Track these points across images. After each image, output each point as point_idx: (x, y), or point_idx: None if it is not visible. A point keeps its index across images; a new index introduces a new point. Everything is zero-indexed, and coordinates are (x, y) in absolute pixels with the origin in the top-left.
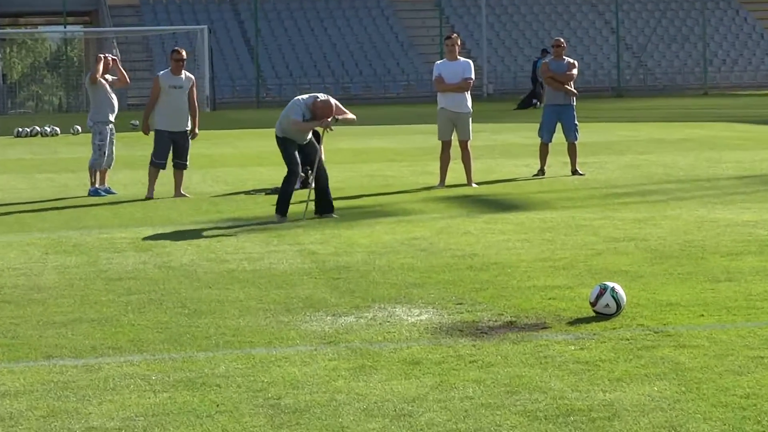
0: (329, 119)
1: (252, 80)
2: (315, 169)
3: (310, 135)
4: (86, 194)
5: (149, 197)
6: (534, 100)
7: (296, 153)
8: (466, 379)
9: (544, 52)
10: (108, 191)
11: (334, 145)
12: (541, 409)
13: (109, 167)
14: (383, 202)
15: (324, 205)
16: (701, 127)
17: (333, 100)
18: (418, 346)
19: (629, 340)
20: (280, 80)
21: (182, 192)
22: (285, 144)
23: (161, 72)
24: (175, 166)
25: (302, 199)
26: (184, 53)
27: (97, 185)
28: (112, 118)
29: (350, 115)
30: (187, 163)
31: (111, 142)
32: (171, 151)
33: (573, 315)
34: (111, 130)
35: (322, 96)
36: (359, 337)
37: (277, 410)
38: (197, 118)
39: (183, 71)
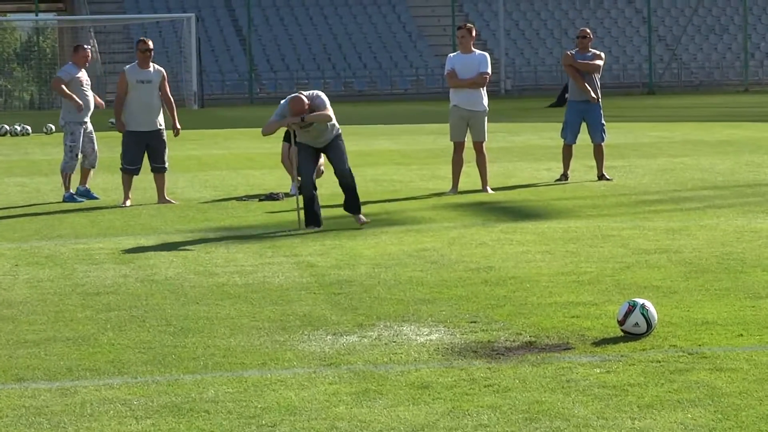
0: (295, 118)
1: (244, 74)
2: (338, 174)
3: (328, 137)
4: (61, 200)
5: (122, 206)
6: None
7: (307, 159)
8: (480, 405)
9: None
10: (89, 195)
11: None
12: None
13: (93, 167)
14: (389, 210)
15: (351, 204)
16: (741, 127)
17: (307, 97)
18: (428, 369)
19: (661, 362)
20: (276, 74)
21: (167, 197)
22: (297, 148)
23: (127, 66)
24: (153, 170)
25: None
26: (150, 43)
27: (77, 187)
28: (86, 117)
29: (325, 113)
30: (166, 164)
31: (90, 141)
32: (145, 154)
33: (599, 335)
34: (86, 129)
35: (306, 92)
36: (362, 358)
37: None
38: (175, 112)
39: (151, 64)
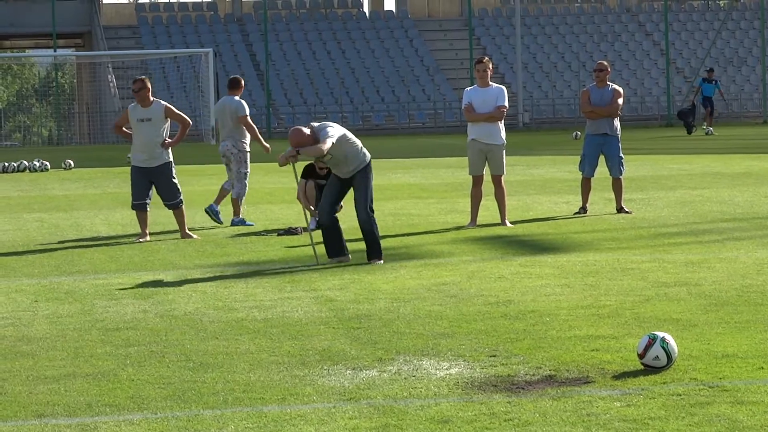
0: (291, 151)
1: (262, 108)
2: (358, 217)
3: (351, 167)
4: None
5: (139, 241)
6: (690, 119)
7: (330, 189)
8: None
9: (710, 72)
10: (244, 223)
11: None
12: None
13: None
14: (408, 244)
15: (369, 250)
16: (761, 159)
17: (314, 129)
18: (448, 403)
19: (681, 395)
20: (293, 109)
21: (188, 233)
22: (330, 177)
23: (131, 104)
24: (168, 207)
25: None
26: (146, 81)
27: (232, 219)
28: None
29: (317, 147)
30: (180, 199)
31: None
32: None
33: (619, 368)
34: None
35: (317, 124)
36: (382, 393)
37: None
38: (183, 134)
39: (154, 100)
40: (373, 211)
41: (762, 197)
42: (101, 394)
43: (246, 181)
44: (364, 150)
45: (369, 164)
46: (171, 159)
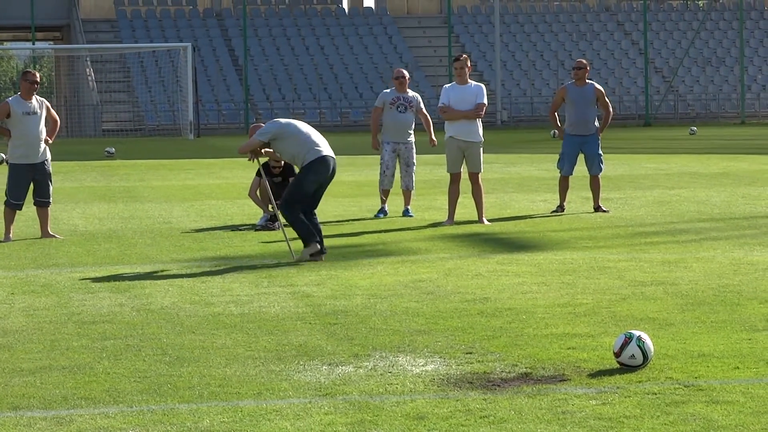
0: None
1: (240, 104)
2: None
3: (299, 166)
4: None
5: (5, 241)
6: None
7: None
8: None
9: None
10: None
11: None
12: None
13: (407, 189)
14: (385, 240)
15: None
16: (738, 159)
17: (258, 126)
18: (424, 400)
19: (657, 394)
20: (272, 104)
21: (50, 232)
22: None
23: (10, 98)
24: (37, 204)
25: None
26: (38, 76)
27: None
28: (393, 138)
29: (251, 139)
30: (51, 199)
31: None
32: (31, 189)
33: (595, 366)
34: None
35: (279, 121)
36: (358, 388)
37: None
38: (55, 133)
39: (34, 95)
40: (290, 208)
41: (739, 197)
42: (77, 387)
43: (380, 170)
44: (316, 148)
45: (313, 162)
46: (49, 157)
